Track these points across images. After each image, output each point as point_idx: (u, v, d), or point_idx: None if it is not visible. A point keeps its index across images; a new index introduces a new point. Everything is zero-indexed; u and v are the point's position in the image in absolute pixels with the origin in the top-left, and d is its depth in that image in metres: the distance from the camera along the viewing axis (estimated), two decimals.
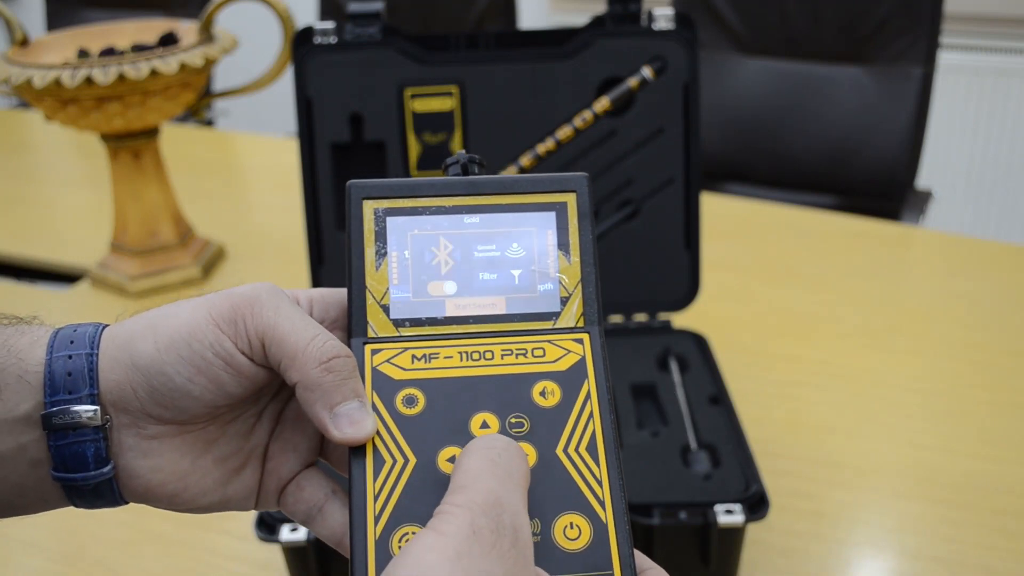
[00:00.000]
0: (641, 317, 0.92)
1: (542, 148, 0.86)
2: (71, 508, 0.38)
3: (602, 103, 0.86)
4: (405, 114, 0.86)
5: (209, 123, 2.07)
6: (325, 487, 0.39)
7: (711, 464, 0.74)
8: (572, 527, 0.33)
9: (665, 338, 0.89)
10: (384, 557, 0.32)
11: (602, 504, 0.34)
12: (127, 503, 0.37)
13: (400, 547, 0.32)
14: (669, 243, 0.89)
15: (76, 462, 0.35)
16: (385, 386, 0.35)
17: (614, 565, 0.33)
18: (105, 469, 0.35)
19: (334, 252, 0.87)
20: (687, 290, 0.90)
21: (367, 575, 0.32)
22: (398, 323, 0.37)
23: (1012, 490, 0.81)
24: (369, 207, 0.37)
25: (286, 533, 0.66)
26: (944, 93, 2.11)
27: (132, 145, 1.15)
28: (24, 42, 1.15)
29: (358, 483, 0.33)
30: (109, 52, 1.16)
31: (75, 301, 1.19)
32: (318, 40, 0.84)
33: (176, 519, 0.80)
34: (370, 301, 0.37)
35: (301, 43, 0.84)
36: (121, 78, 1.04)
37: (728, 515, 0.67)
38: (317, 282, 0.88)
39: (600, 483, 0.34)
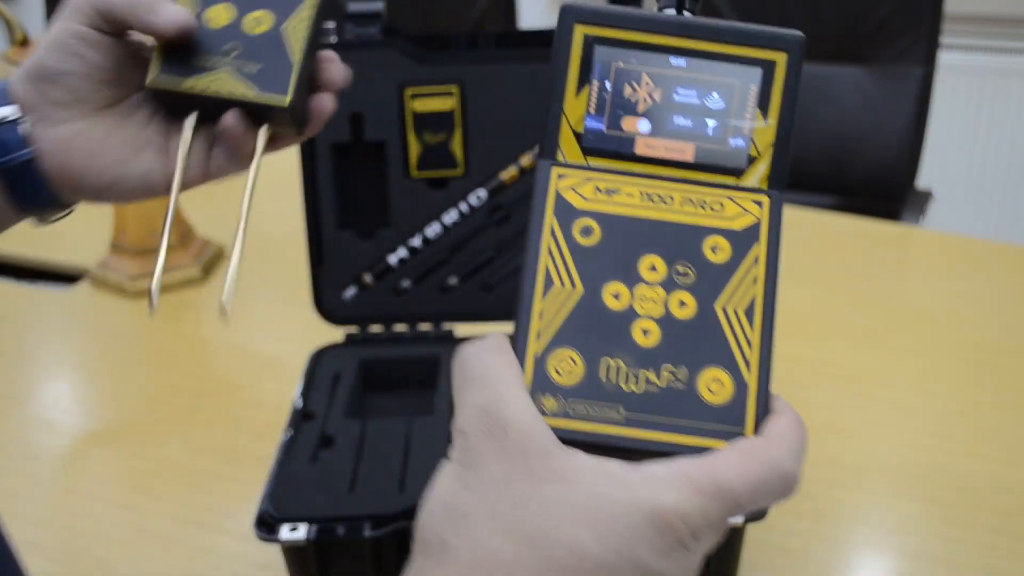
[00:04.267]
0: None
1: None
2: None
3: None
4: (405, 114, 0.86)
5: None
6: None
7: None
8: (716, 381, 0.34)
9: None
10: (540, 373, 0.34)
11: (748, 366, 0.35)
12: (55, 197, 0.51)
13: (556, 368, 0.34)
14: None
15: (2, 148, 0.48)
16: (565, 212, 0.36)
17: (748, 425, 0.34)
18: (27, 150, 0.49)
19: (334, 252, 0.87)
20: None
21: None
22: (588, 152, 0.37)
23: (1012, 490, 0.81)
24: (580, 31, 0.37)
25: (286, 533, 0.66)
26: (944, 93, 2.11)
27: None
28: (24, 42, 1.15)
29: (527, 299, 0.35)
30: None
31: (75, 301, 1.19)
32: None
33: (176, 519, 0.80)
34: (564, 126, 0.37)
35: None
36: None
37: None
38: (317, 282, 0.88)
39: (751, 345, 0.35)
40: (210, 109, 0.50)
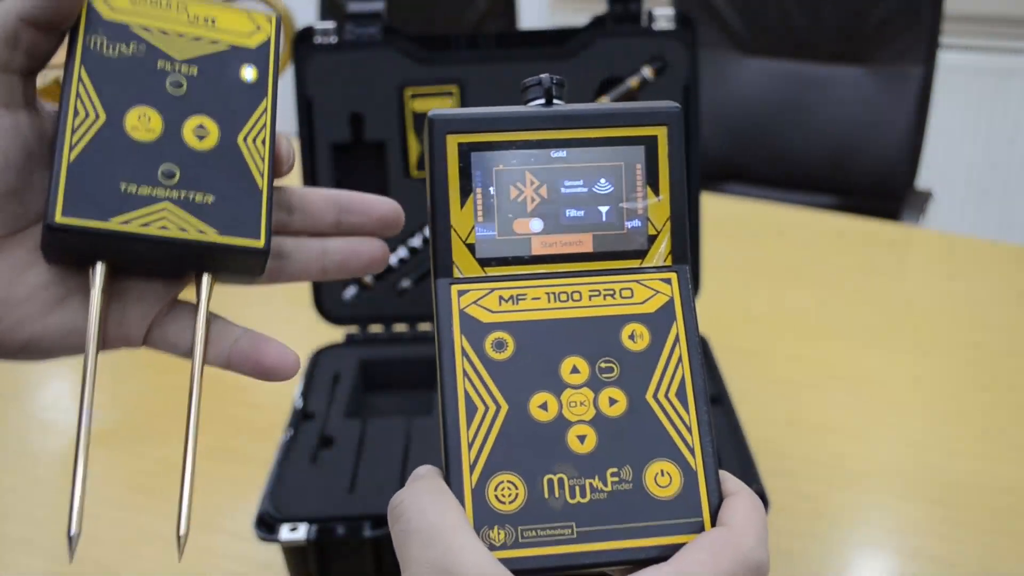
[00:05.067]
0: None
1: None
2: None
3: (602, 103, 0.86)
4: (405, 114, 0.86)
5: None
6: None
7: None
8: (663, 474, 0.34)
9: None
10: (481, 505, 0.33)
11: (691, 451, 0.34)
12: None
13: (497, 496, 0.33)
14: None
15: None
16: (474, 330, 0.35)
17: (704, 512, 0.33)
18: None
19: None
20: None
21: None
22: (484, 262, 0.36)
23: (1012, 490, 0.81)
24: (453, 141, 0.36)
25: (286, 533, 0.66)
26: (944, 93, 2.11)
27: None
28: None
29: (452, 431, 0.33)
30: None
31: None
32: (318, 40, 0.84)
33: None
34: (455, 240, 0.36)
35: (301, 43, 0.84)
36: None
37: None
38: (317, 282, 0.88)
39: (689, 429, 0.34)
40: (144, 254, 0.36)
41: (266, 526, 0.67)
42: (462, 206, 0.36)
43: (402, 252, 0.88)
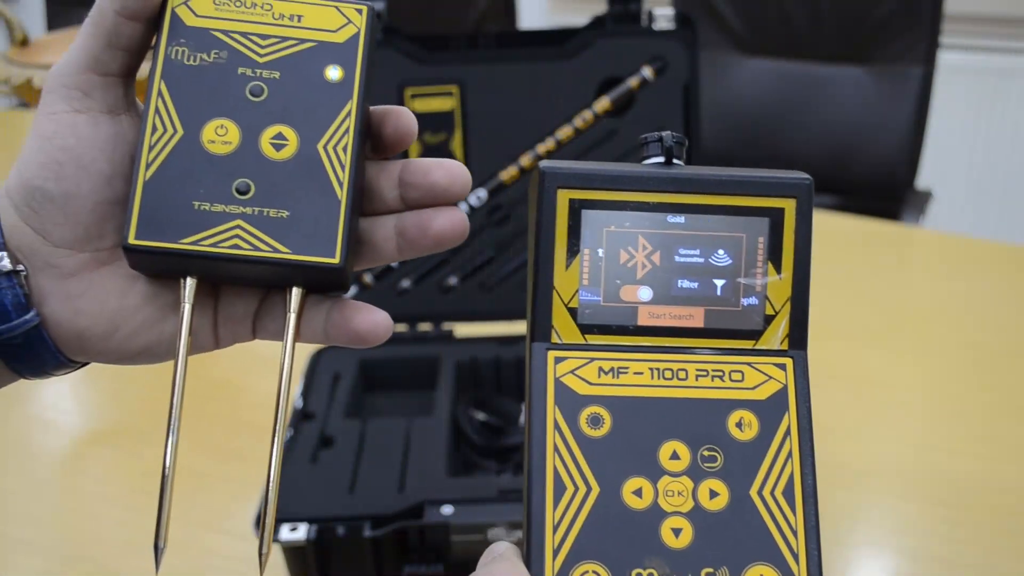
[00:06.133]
0: None
1: (542, 148, 0.86)
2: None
3: (602, 103, 0.86)
4: None
5: None
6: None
7: None
8: None
9: None
10: None
11: (795, 557, 0.31)
12: (69, 361, 0.37)
13: None
14: None
15: None
16: (569, 401, 0.32)
17: None
18: (28, 316, 0.34)
19: None
20: None
21: None
22: (585, 329, 0.33)
23: (1012, 490, 0.81)
24: (564, 197, 0.33)
25: (286, 533, 0.66)
26: (944, 93, 2.11)
27: None
28: (24, 42, 1.15)
29: (537, 510, 0.31)
30: None
31: None
32: None
33: (176, 519, 0.80)
34: (556, 303, 0.33)
35: None
36: None
37: None
38: None
39: (795, 533, 0.32)
40: (221, 271, 0.36)
41: None
42: (567, 267, 0.33)
43: None
